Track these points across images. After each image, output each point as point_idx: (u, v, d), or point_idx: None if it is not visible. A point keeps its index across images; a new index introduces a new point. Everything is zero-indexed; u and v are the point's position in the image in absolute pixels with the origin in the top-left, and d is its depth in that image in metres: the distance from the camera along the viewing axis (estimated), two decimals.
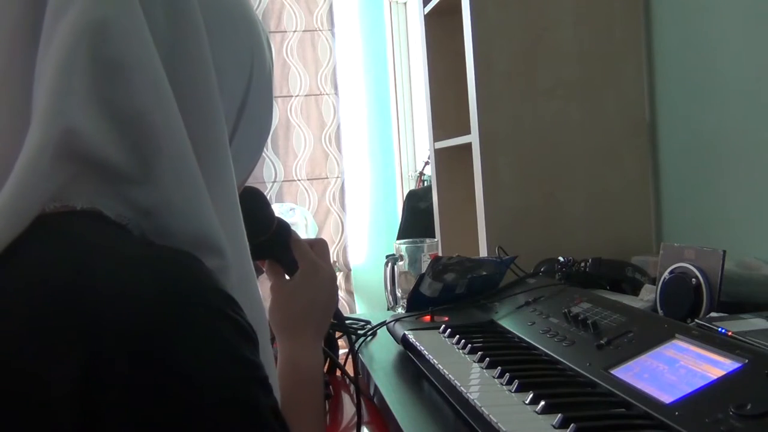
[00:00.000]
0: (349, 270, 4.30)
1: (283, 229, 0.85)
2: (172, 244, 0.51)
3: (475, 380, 0.93)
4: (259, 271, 0.87)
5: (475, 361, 0.99)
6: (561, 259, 1.41)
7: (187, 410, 0.43)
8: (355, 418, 1.04)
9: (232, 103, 0.60)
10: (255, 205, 0.82)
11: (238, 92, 0.60)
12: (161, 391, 0.43)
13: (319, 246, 0.88)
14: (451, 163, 2.13)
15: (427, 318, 1.29)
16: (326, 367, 1.22)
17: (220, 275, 0.52)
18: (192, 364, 0.44)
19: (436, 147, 2.14)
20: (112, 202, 0.50)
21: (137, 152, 0.49)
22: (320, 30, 4.24)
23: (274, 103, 0.67)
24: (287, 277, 0.87)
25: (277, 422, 0.49)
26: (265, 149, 4.11)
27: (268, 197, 4.18)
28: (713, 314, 0.97)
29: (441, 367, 0.98)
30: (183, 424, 0.43)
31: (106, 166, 0.49)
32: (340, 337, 1.35)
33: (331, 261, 3.78)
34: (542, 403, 0.78)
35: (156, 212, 0.51)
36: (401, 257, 1.60)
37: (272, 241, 0.85)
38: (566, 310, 1.08)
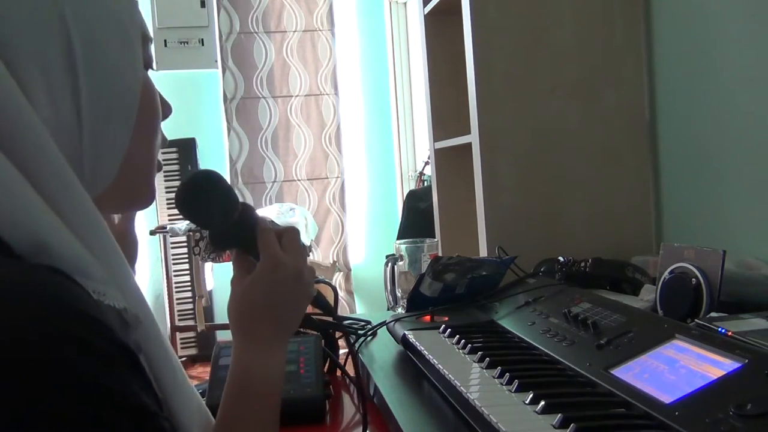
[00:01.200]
0: (349, 270, 4.30)
1: (248, 215, 0.77)
2: (21, 254, 0.49)
3: (475, 380, 0.93)
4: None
5: (475, 361, 0.99)
6: (561, 259, 1.41)
7: None
8: (355, 418, 1.04)
9: (52, 68, 0.56)
10: (208, 189, 0.75)
11: (54, 56, 0.56)
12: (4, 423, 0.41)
13: (287, 236, 0.77)
14: (451, 163, 2.13)
15: (427, 318, 1.29)
16: (326, 367, 1.22)
17: (78, 274, 0.50)
18: (41, 397, 0.43)
19: (436, 147, 2.14)
20: None
21: None
22: (320, 30, 4.24)
23: (129, 41, 0.61)
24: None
25: None
26: (264, 149, 4.07)
27: (267, 197, 4.19)
28: (713, 314, 0.97)
29: (441, 367, 0.98)
30: None
31: None
32: (340, 338, 1.35)
33: (333, 261, 3.74)
34: (542, 403, 0.77)
35: None
36: (401, 257, 1.59)
37: (234, 228, 0.76)
38: (566, 310, 1.08)
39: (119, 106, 0.61)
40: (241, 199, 0.78)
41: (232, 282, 0.77)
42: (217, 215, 0.76)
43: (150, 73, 0.66)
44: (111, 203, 0.65)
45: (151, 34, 0.67)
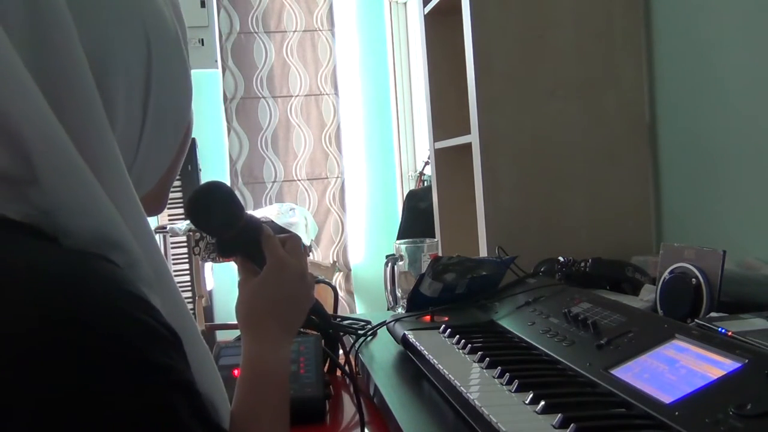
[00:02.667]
0: (349, 270, 4.30)
1: (252, 224, 0.82)
2: (77, 245, 0.50)
3: (475, 380, 0.93)
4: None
5: (475, 361, 0.99)
6: (561, 259, 1.41)
7: (97, 422, 0.43)
8: (355, 418, 1.04)
9: (133, 79, 0.58)
10: (219, 200, 0.79)
11: (136, 66, 0.58)
12: (64, 403, 0.43)
13: (291, 242, 0.84)
14: (451, 163, 2.13)
15: (427, 318, 1.29)
16: (326, 367, 1.22)
17: (131, 271, 0.52)
18: (95, 375, 0.44)
19: (436, 147, 2.14)
20: (15, 204, 0.50)
21: (18, 155, 0.50)
22: (320, 30, 4.24)
23: (188, 67, 0.65)
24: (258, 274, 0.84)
25: (202, 426, 0.49)
26: (264, 149, 4.09)
27: (267, 197, 4.19)
28: (713, 314, 0.97)
29: (441, 367, 0.98)
30: None
31: None
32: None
33: (333, 261, 3.75)
34: (542, 403, 0.78)
35: (53, 212, 0.51)
36: (401, 257, 1.59)
37: (240, 236, 0.81)
38: (566, 310, 1.08)
39: (175, 122, 0.64)
40: (244, 204, 0.81)
41: (240, 285, 0.83)
42: (223, 225, 0.81)
43: None
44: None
45: None
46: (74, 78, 0.52)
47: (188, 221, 3.58)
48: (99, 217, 0.52)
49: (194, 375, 0.58)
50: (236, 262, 0.85)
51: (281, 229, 3.55)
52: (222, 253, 0.86)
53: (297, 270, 0.81)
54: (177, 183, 4.09)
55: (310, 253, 4.07)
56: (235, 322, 0.82)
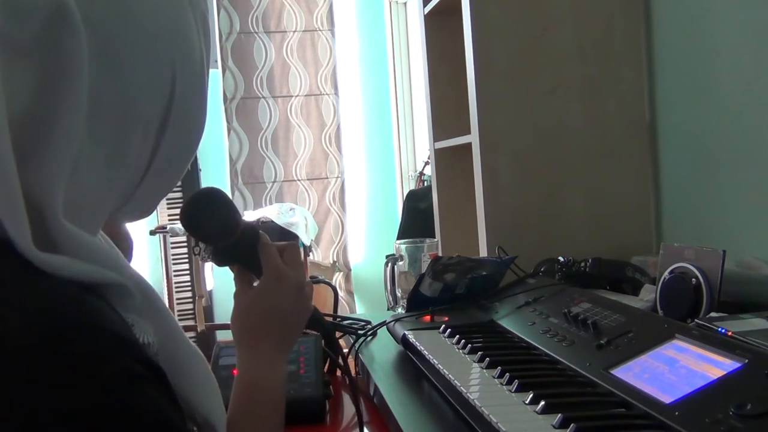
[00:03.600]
0: (349, 270, 4.30)
1: (249, 232, 0.79)
2: (64, 275, 0.49)
3: (475, 380, 0.93)
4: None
5: (475, 361, 0.99)
6: (561, 259, 1.41)
7: None
8: (355, 418, 1.04)
9: (150, 126, 0.57)
10: (214, 207, 0.77)
11: (156, 112, 0.57)
12: None
13: (288, 252, 0.80)
14: (451, 163, 2.13)
15: (427, 318, 1.29)
16: (326, 367, 1.22)
17: (119, 301, 0.51)
18: (67, 421, 0.43)
19: (436, 147, 2.14)
20: None
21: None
22: (320, 30, 4.24)
23: (206, 95, 0.62)
24: (255, 284, 0.81)
25: None
26: (264, 149, 4.09)
27: (267, 197, 4.18)
28: (713, 314, 0.97)
29: (441, 367, 0.98)
30: None
31: None
32: (340, 337, 1.36)
33: (333, 261, 3.74)
34: (542, 403, 0.77)
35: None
36: (401, 257, 1.59)
37: (237, 245, 0.78)
38: (566, 310, 1.08)
39: (183, 159, 0.63)
40: (242, 207, 0.79)
41: (236, 296, 0.80)
42: (219, 233, 0.78)
43: None
44: (123, 218, 0.66)
45: None
46: (65, 131, 0.50)
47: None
48: (93, 250, 0.51)
49: (189, 399, 0.57)
50: (233, 271, 0.82)
51: (281, 230, 3.55)
52: (218, 261, 0.81)
53: (294, 282, 0.78)
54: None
55: (310, 253, 4.07)
56: None
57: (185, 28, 0.58)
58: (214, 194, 0.78)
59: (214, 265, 3.69)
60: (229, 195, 0.82)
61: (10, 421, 0.42)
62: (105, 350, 0.46)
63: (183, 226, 0.77)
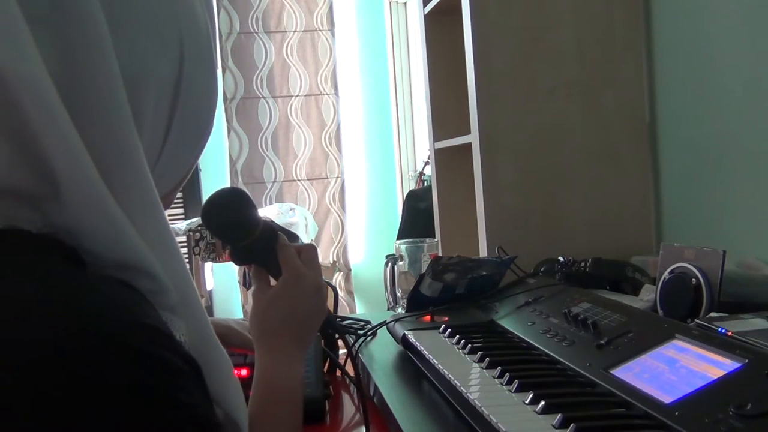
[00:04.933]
0: (349, 270, 4.30)
1: (269, 232, 0.81)
2: (100, 267, 0.50)
3: (475, 380, 0.93)
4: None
5: (475, 361, 0.99)
6: (561, 259, 1.41)
7: None
8: (355, 419, 1.04)
9: (163, 89, 0.56)
10: (235, 207, 0.78)
11: (168, 75, 0.57)
12: None
13: (306, 252, 0.82)
14: (451, 163, 2.13)
15: (427, 318, 1.29)
16: (326, 367, 1.22)
17: (155, 297, 0.51)
18: (104, 413, 0.43)
19: (436, 147, 2.14)
20: (32, 217, 0.49)
21: (43, 177, 0.49)
22: (320, 30, 4.24)
23: (216, 67, 0.63)
24: (273, 283, 0.83)
25: None
26: (265, 149, 4.09)
27: (267, 197, 4.19)
28: (713, 314, 0.97)
29: (441, 367, 0.98)
30: None
31: (16, 188, 0.49)
32: (340, 338, 1.35)
33: (333, 261, 3.74)
34: (542, 403, 0.77)
35: (73, 232, 0.50)
36: (401, 257, 1.59)
37: (256, 245, 0.80)
38: (566, 310, 1.08)
39: (198, 134, 0.63)
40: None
41: (254, 295, 0.81)
42: (239, 233, 0.79)
43: None
44: None
45: None
46: (106, 94, 0.51)
47: (188, 222, 3.58)
48: (122, 245, 0.51)
49: (218, 397, 0.57)
50: (250, 271, 0.83)
51: (281, 230, 3.55)
52: (237, 260, 0.83)
53: (312, 282, 0.80)
54: None
55: None
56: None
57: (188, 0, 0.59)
58: (237, 194, 0.79)
59: (213, 265, 3.70)
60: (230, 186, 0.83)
61: (51, 413, 0.42)
62: (144, 343, 0.46)
63: (204, 225, 0.79)
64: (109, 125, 0.51)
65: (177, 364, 0.47)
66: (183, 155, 0.63)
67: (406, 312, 1.35)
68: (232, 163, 4.18)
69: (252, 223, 0.79)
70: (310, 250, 0.83)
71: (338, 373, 1.29)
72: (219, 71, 4.05)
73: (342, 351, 1.27)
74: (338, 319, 1.47)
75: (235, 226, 0.79)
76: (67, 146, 0.48)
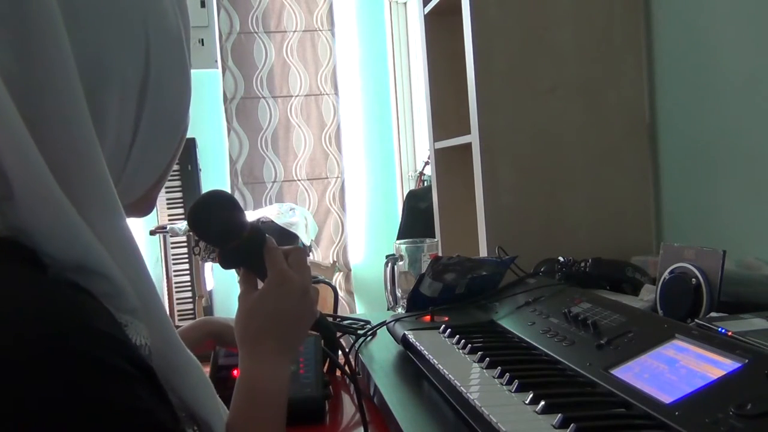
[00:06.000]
0: (349, 270, 4.30)
1: (255, 236, 0.79)
2: (56, 268, 0.49)
3: (475, 380, 0.93)
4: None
5: (475, 361, 0.99)
6: (561, 259, 1.41)
7: None
8: (355, 418, 1.04)
9: (128, 86, 0.55)
10: (220, 208, 0.77)
11: (133, 71, 0.56)
12: None
13: (294, 255, 0.80)
14: (451, 163, 2.13)
15: (427, 318, 1.29)
16: (326, 367, 1.22)
17: (111, 300, 0.51)
18: (58, 422, 0.43)
19: (436, 147, 2.14)
20: None
21: None
22: (320, 30, 4.24)
23: (188, 68, 0.62)
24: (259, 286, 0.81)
25: None
26: (264, 149, 4.08)
27: (267, 197, 4.18)
28: (713, 314, 0.97)
29: (441, 367, 0.98)
30: None
31: None
32: (340, 337, 1.35)
33: (333, 261, 3.74)
34: (542, 403, 0.77)
35: (29, 233, 0.50)
36: (401, 257, 1.59)
37: (242, 247, 0.79)
38: (566, 310, 1.08)
39: (170, 129, 0.62)
40: (242, 207, 0.80)
41: (240, 298, 0.79)
42: (226, 236, 0.79)
43: None
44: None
45: None
46: (61, 92, 0.50)
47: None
48: (76, 246, 0.50)
49: (187, 400, 0.57)
50: (238, 274, 0.82)
51: (281, 230, 3.55)
52: (224, 264, 0.82)
53: (299, 285, 0.78)
54: (177, 183, 4.09)
55: (310, 253, 4.07)
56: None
57: None
58: (222, 197, 0.78)
59: (213, 265, 3.71)
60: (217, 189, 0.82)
61: (1, 420, 0.42)
62: (96, 349, 0.46)
63: (190, 228, 0.78)
64: (63, 125, 0.50)
65: (129, 370, 0.47)
66: (155, 157, 0.62)
67: (406, 312, 1.35)
68: (232, 163, 4.18)
69: (238, 225, 0.78)
70: (299, 252, 0.81)
71: (338, 373, 1.30)
72: (218, 75, 4.07)
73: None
74: (338, 319, 1.47)
75: (220, 228, 0.78)
76: (16, 145, 0.48)
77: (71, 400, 0.44)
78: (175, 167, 4.66)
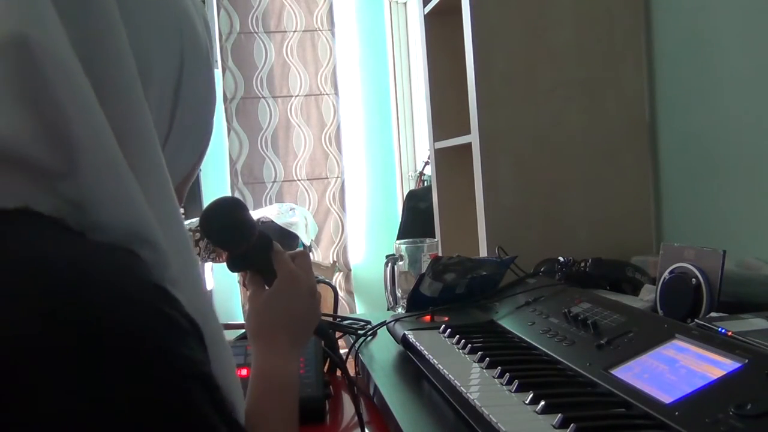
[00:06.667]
0: (349, 270, 4.30)
1: (263, 240, 0.84)
2: (106, 239, 0.51)
3: (475, 380, 0.93)
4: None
5: (475, 361, 0.99)
6: (561, 259, 1.41)
7: (113, 415, 0.43)
8: (355, 418, 1.04)
9: (165, 87, 0.59)
10: (234, 213, 0.82)
11: (169, 75, 0.60)
12: (87, 393, 0.43)
13: (300, 258, 0.86)
14: (451, 163, 2.13)
15: (427, 318, 1.29)
16: (326, 366, 1.22)
17: (156, 268, 0.52)
18: (121, 367, 0.44)
19: (436, 147, 2.14)
20: (45, 198, 0.50)
21: (59, 148, 0.50)
22: (320, 30, 4.24)
23: (214, 84, 0.67)
24: (267, 288, 0.86)
25: (222, 419, 0.49)
26: (264, 149, 4.10)
27: (267, 197, 4.19)
28: (713, 314, 0.97)
29: (441, 367, 0.98)
30: (110, 426, 0.43)
31: (31, 163, 0.49)
32: (340, 337, 1.35)
33: (333, 261, 3.75)
34: (542, 403, 0.77)
35: (86, 205, 0.51)
36: (401, 257, 1.59)
37: (252, 251, 0.83)
38: (566, 310, 1.08)
39: (198, 132, 0.65)
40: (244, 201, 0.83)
41: (250, 299, 0.85)
42: (236, 241, 0.83)
43: None
44: None
45: None
46: (125, 78, 0.53)
47: (188, 222, 3.58)
48: (132, 213, 0.52)
49: (216, 374, 0.59)
50: (245, 277, 0.87)
51: (281, 230, 3.55)
52: (232, 267, 0.86)
53: (307, 285, 0.84)
54: None
55: (310, 253, 4.07)
56: (236, 321, 0.82)
57: (186, 7, 0.62)
58: (234, 201, 0.83)
59: (213, 265, 3.70)
60: (229, 195, 0.84)
61: (67, 361, 0.43)
62: (154, 300, 0.48)
63: (203, 232, 0.82)
64: (126, 104, 0.53)
65: (181, 321, 0.49)
66: (185, 154, 0.65)
67: (406, 312, 1.35)
68: (232, 163, 4.18)
69: (250, 228, 0.82)
70: (304, 256, 0.87)
71: (338, 372, 1.30)
72: (218, 75, 4.07)
73: (342, 351, 1.28)
74: (338, 319, 1.47)
75: (234, 232, 0.82)
76: (88, 116, 0.50)
77: (132, 344, 0.45)
78: None
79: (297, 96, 4.25)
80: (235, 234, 0.82)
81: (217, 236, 0.83)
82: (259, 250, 0.84)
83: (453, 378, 0.93)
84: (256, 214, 3.77)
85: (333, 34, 4.25)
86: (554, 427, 0.72)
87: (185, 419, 0.46)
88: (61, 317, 0.44)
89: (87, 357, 0.43)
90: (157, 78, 0.58)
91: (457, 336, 1.10)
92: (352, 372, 1.17)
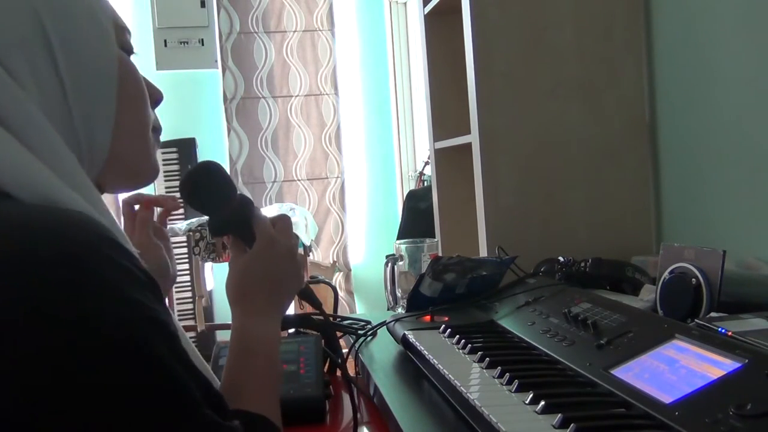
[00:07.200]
0: (349, 270, 4.30)
1: (244, 204, 0.85)
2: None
3: (475, 380, 0.93)
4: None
5: (475, 361, 0.99)
6: (561, 259, 1.41)
7: (74, 355, 0.46)
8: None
9: (33, 51, 0.60)
10: (210, 180, 0.83)
11: (32, 39, 0.60)
12: (42, 339, 0.45)
13: (281, 222, 0.86)
14: (451, 163, 2.13)
15: (427, 318, 1.29)
16: (326, 367, 1.22)
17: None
18: (75, 310, 0.46)
19: (436, 147, 2.14)
20: None
21: None
22: (320, 30, 4.24)
23: (96, 14, 0.65)
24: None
25: (179, 362, 0.51)
26: (264, 149, 4.08)
27: (267, 197, 4.18)
28: (713, 314, 0.97)
29: (441, 367, 0.98)
30: (70, 368, 0.45)
31: None
32: (340, 337, 1.35)
33: (333, 261, 3.74)
34: (542, 403, 0.77)
35: None
36: (401, 257, 1.59)
37: (232, 216, 0.84)
38: (566, 310, 1.08)
39: (98, 80, 0.65)
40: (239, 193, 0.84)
41: (230, 262, 0.85)
42: (216, 203, 0.83)
43: (151, 72, 0.68)
44: (115, 180, 0.70)
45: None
46: None
47: (187, 222, 3.58)
48: (42, 185, 0.55)
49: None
50: (227, 242, 0.87)
51: None
52: (214, 231, 0.87)
53: (286, 248, 0.83)
54: (177, 183, 4.09)
55: (310, 253, 4.06)
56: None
57: None
58: (212, 167, 0.83)
59: (213, 265, 3.69)
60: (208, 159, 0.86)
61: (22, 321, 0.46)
62: (113, 252, 0.50)
63: (182, 196, 0.83)
64: None
65: (138, 274, 0.51)
66: (97, 107, 0.65)
67: (406, 312, 1.35)
68: (232, 163, 4.18)
69: (227, 193, 0.83)
70: (284, 220, 0.87)
71: (338, 372, 1.30)
72: (218, 75, 4.07)
73: (342, 351, 1.28)
74: (338, 319, 1.47)
75: (215, 191, 0.83)
76: None
77: (93, 291, 0.48)
78: (175, 167, 4.57)
79: (297, 96, 4.25)
80: (217, 192, 0.83)
81: (194, 199, 0.83)
82: (239, 214, 0.84)
83: (453, 378, 0.93)
84: None
85: (333, 34, 4.25)
86: (554, 427, 0.72)
87: (138, 358, 0.48)
88: (23, 268, 0.47)
89: (43, 302, 0.46)
90: (13, 43, 0.58)
91: (457, 336, 1.10)
92: (352, 372, 1.17)
